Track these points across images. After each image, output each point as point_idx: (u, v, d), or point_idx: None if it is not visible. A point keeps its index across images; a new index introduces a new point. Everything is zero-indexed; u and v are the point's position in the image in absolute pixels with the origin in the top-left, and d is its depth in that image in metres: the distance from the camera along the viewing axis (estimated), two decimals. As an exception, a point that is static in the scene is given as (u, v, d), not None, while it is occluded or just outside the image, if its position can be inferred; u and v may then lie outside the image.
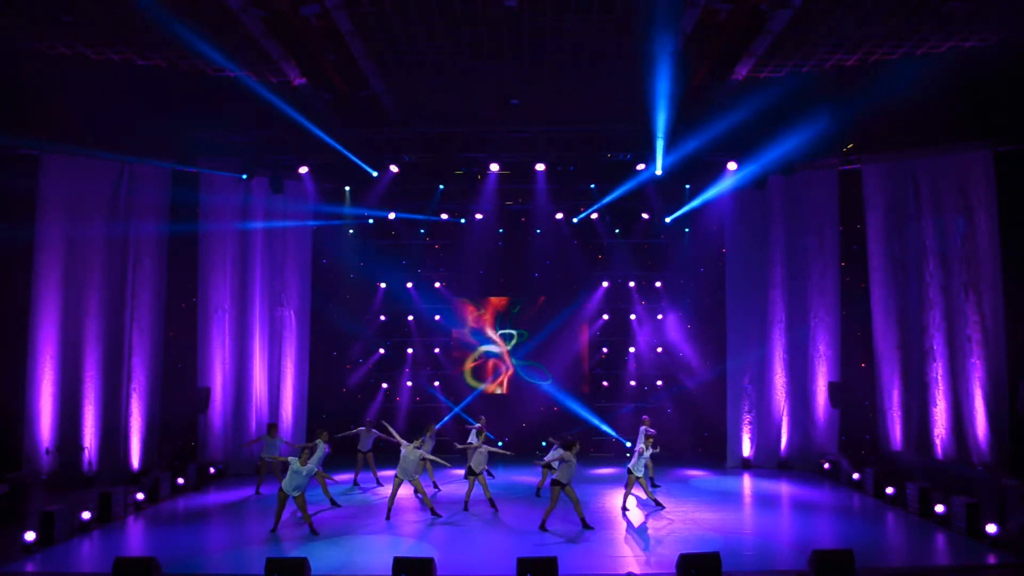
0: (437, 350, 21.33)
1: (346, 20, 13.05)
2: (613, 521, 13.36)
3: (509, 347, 21.35)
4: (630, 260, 21.25)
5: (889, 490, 14.36)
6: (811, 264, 18.10)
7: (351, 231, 20.63)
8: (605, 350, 21.28)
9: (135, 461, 16.84)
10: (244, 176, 17.97)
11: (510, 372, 21.35)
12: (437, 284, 21.25)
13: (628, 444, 20.27)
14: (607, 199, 19.47)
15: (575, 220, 20.51)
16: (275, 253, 18.82)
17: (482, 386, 21.20)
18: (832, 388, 17.81)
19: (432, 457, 14.34)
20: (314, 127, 16.83)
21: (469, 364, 21.40)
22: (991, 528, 11.31)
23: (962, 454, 15.97)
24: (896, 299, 17.12)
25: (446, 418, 20.64)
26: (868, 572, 10.04)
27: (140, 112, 15.88)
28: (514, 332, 21.32)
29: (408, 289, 21.14)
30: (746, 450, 18.50)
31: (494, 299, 21.45)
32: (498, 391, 21.37)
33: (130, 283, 17.05)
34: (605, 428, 20.52)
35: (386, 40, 14.14)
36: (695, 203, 19.29)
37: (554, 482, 12.53)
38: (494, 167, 18.32)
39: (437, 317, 21.32)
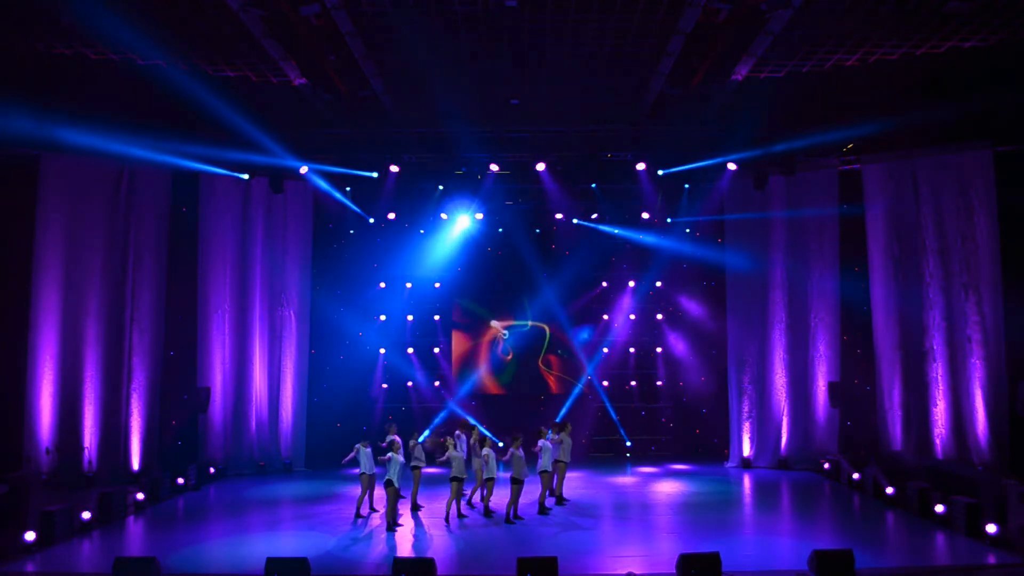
0: (437, 350, 21.30)
1: (346, 20, 13.05)
2: (613, 520, 13.36)
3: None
4: (630, 260, 21.22)
5: (889, 490, 14.35)
6: (811, 264, 18.11)
7: (351, 231, 20.60)
8: (606, 350, 21.25)
9: (135, 461, 16.84)
10: (244, 176, 17.97)
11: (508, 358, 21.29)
12: (437, 284, 21.23)
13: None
14: (609, 203, 19.50)
15: (576, 221, 20.49)
16: (275, 253, 18.81)
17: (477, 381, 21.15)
18: (832, 388, 17.81)
19: None
20: (314, 127, 16.80)
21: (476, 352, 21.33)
22: (991, 528, 11.31)
23: (962, 454, 15.98)
24: (896, 299, 17.12)
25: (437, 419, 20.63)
26: (868, 572, 10.05)
27: (140, 112, 15.88)
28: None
29: (407, 289, 21.11)
30: (746, 450, 18.51)
31: (493, 299, 21.42)
32: (499, 391, 21.31)
33: (130, 283, 17.07)
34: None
35: (386, 40, 14.14)
36: (695, 203, 19.28)
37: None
38: (494, 167, 18.30)
39: (436, 317, 21.29)
